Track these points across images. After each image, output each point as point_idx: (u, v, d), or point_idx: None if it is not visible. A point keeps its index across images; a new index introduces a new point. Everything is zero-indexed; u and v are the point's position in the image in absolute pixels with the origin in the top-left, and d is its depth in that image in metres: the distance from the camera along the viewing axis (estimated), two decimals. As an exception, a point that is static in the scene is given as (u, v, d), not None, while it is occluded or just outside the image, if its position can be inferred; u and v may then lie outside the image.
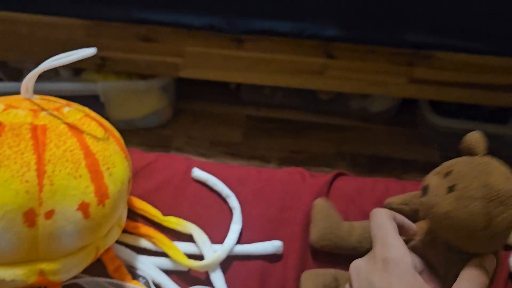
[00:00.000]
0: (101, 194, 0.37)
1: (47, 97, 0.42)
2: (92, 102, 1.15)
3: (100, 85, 1.15)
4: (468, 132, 0.39)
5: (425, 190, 0.38)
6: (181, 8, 1.03)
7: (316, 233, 0.49)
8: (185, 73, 1.13)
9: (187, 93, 1.40)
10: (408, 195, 0.48)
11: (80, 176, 0.36)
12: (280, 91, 1.40)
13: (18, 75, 1.26)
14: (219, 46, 1.07)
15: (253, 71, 1.11)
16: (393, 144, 1.36)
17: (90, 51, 0.37)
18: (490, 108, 1.24)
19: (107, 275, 0.44)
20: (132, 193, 0.52)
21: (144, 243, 0.48)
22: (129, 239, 0.48)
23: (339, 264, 0.49)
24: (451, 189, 0.36)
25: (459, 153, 0.40)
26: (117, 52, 1.07)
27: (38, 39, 1.07)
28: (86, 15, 1.04)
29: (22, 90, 0.41)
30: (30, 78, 0.40)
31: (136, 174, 0.53)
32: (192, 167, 0.55)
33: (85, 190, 0.36)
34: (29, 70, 0.40)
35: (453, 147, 1.27)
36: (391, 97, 1.37)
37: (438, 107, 1.24)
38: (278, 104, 1.42)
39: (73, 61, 0.37)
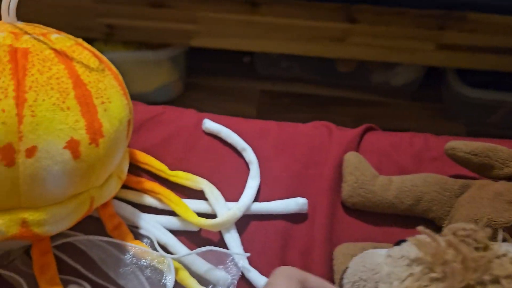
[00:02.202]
0: (94, 132, 0.31)
1: (34, 24, 0.36)
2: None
3: (108, 56, 1.09)
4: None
5: None
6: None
7: (346, 189, 0.42)
8: (198, 42, 1.07)
9: (199, 67, 1.34)
10: (480, 145, 0.41)
11: (68, 108, 0.30)
12: (296, 64, 1.33)
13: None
14: (233, 11, 1.00)
15: (269, 39, 1.04)
16: (417, 119, 1.28)
17: None
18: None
19: (105, 234, 0.38)
20: (135, 146, 0.45)
21: (149, 200, 0.41)
22: (131, 195, 0.41)
23: (374, 223, 0.42)
24: None
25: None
26: (126, 20, 1.01)
27: (46, 6, 1.01)
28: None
29: (3, 13, 0.34)
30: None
31: (140, 127, 0.47)
32: (203, 119, 0.49)
33: (74, 125, 0.30)
34: None
35: (480, 121, 1.18)
36: (415, 70, 1.29)
37: (464, 78, 1.15)
38: (294, 78, 1.35)
39: None
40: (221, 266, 0.37)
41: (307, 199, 0.42)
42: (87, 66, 0.33)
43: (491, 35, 0.96)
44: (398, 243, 0.30)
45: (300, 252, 0.40)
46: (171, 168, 0.44)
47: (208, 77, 1.34)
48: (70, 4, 1.01)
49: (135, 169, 0.44)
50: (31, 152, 0.29)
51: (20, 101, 0.28)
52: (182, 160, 0.45)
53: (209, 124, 0.47)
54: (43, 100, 0.29)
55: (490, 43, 0.97)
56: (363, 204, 0.42)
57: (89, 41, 0.38)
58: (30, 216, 0.31)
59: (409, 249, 0.28)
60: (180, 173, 0.43)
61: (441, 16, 0.94)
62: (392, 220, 0.42)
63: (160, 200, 0.41)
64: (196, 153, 0.46)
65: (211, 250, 0.37)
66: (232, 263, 0.38)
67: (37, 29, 0.34)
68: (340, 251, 0.39)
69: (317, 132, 0.49)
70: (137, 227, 0.40)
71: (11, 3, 0.34)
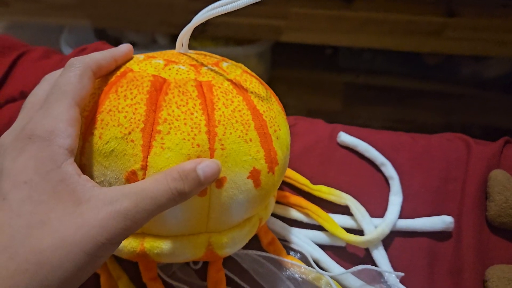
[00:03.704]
0: (271, 160, 0.32)
1: (200, 51, 0.38)
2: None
3: (198, 52, 1.12)
4: None
5: None
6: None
7: (495, 209, 0.42)
8: (287, 37, 1.07)
9: (282, 60, 1.34)
10: None
11: (250, 139, 0.31)
12: (381, 56, 1.30)
13: (116, 44, 1.27)
14: (326, 6, 0.99)
15: (361, 33, 1.02)
16: (511, 113, 1.22)
17: None
18: None
19: (261, 250, 0.40)
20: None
21: (295, 214, 0.43)
22: (278, 210, 0.43)
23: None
24: None
25: None
26: (219, 16, 1.03)
27: (139, 5, 1.05)
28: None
29: (178, 44, 0.36)
30: (186, 31, 0.35)
31: (276, 139, 0.48)
32: (336, 131, 0.49)
33: (256, 156, 0.31)
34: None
35: None
36: (508, 61, 1.23)
37: None
38: (379, 70, 1.32)
39: (240, 7, 0.31)
40: (375, 285, 0.38)
41: (450, 215, 0.42)
42: (259, 96, 0.34)
43: None
44: None
45: (449, 271, 0.40)
46: (310, 182, 0.45)
47: (291, 70, 1.34)
48: (164, 2, 1.04)
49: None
50: (221, 182, 0.30)
51: (211, 136, 0.30)
52: (319, 173, 0.46)
53: (345, 138, 0.48)
54: (230, 133, 0.30)
55: None
56: (513, 224, 0.41)
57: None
58: (215, 240, 0.33)
59: None
60: (323, 187, 0.44)
61: (551, 7, 0.88)
62: (543, 241, 0.41)
63: (307, 214, 0.42)
64: (332, 167, 0.47)
65: (364, 268, 0.38)
66: (385, 282, 0.38)
67: (208, 58, 0.36)
68: (495, 273, 0.38)
69: (453, 145, 0.48)
70: (287, 241, 0.41)
71: (185, 35, 0.35)
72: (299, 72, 1.34)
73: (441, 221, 0.42)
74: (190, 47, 0.37)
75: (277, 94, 0.39)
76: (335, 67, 1.34)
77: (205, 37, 1.18)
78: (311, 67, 1.35)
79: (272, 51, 1.26)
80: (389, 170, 0.45)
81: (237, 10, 0.31)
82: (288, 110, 0.52)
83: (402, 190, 0.45)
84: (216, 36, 1.13)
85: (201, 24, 0.34)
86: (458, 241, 0.41)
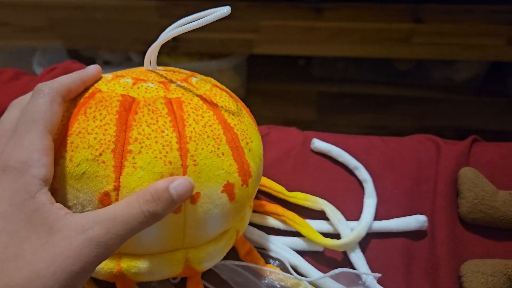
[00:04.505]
0: (244, 173, 0.33)
1: (169, 68, 0.38)
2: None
3: (172, 68, 1.12)
4: None
5: None
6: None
7: (466, 205, 0.43)
8: (259, 50, 1.08)
9: (257, 72, 1.35)
10: None
11: (223, 153, 0.31)
12: (353, 64, 1.33)
13: (90, 64, 1.26)
14: (297, 18, 1.00)
15: (332, 43, 1.04)
16: (483, 115, 1.25)
17: (226, 10, 0.31)
18: None
19: (239, 261, 0.40)
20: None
21: (272, 222, 0.43)
22: (255, 219, 0.43)
23: (495, 238, 0.42)
24: None
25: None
26: (190, 32, 1.03)
27: (111, 24, 1.05)
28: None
29: (146, 62, 0.36)
30: (153, 49, 0.35)
31: (250, 149, 0.49)
32: (309, 138, 0.50)
33: (229, 169, 0.31)
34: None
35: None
36: (478, 64, 1.27)
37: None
38: (352, 79, 1.34)
39: (208, 22, 0.32)
40: (353, 287, 0.39)
41: (424, 215, 0.43)
42: (229, 109, 0.34)
43: None
44: None
45: (425, 270, 0.41)
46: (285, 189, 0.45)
47: (266, 82, 1.35)
48: (136, 20, 1.05)
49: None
50: (195, 198, 0.30)
51: (183, 152, 0.30)
52: (294, 180, 0.47)
53: (318, 144, 0.48)
54: (202, 149, 0.30)
55: None
56: (484, 220, 0.42)
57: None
58: (192, 255, 0.33)
59: None
60: (299, 194, 0.44)
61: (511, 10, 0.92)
62: (514, 234, 0.42)
63: (284, 221, 0.43)
64: (307, 173, 0.47)
65: (342, 272, 0.38)
66: (363, 283, 0.39)
67: (177, 74, 0.36)
68: (469, 268, 0.39)
69: (424, 146, 0.49)
70: (265, 250, 0.41)
71: (153, 52, 0.35)
72: (274, 83, 1.35)
73: (415, 221, 0.42)
74: (164, 63, 0.38)
75: (253, 106, 0.39)
76: (309, 77, 1.36)
77: (178, 53, 1.18)
78: (285, 78, 1.36)
79: (247, 63, 1.27)
80: (362, 173, 0.46)
81: (208, 25, 0.31)
82: (264, 122, 0.53)
83: (376, 192, 0.45)
84: (190, 52, 1.14)
85: (173, 40, 0.34)
86: (433, 239, 0.42)
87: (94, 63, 0.34)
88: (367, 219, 0.42)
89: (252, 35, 1.06)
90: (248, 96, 1.29)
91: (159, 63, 0.37)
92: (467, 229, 0.43)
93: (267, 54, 1.09)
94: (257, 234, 0.42)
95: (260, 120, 0.38)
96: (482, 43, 0.98)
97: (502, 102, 1.25)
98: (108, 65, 1.25)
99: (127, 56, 1.25)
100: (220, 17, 0.31)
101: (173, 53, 1.18)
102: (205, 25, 0.31)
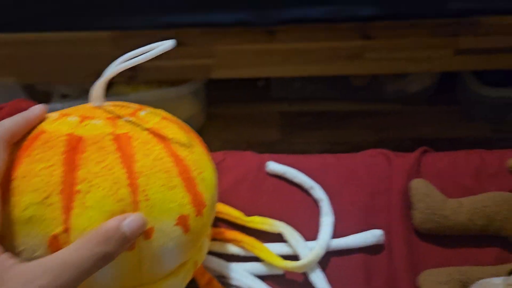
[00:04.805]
0: (198, 203, 0.32)
1: (117, 102, 0.38)
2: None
3: (131, 98, 1.12)
4: None
5: None
6: (209, 7, 0.99)
7: (418, 216, 0.44)
8: (217, 74, 1.09)
9: (217, 97, 1.36)
10: None
11: (175, 186, 0.31)
12: (311, 83, 1.35)
13: (46, 99, 1.24)
14: (250, 41, 1.02)
15: (288, 64, 1.07)
16: (438, 123, 1.30)
17: (170, 44, 0.31)
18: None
19: (199, 289, 0.40)
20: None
21: (232, 249, 0.43)
22: (215, 247, 0.43)
23: (449, 246, 0.43)
24: None
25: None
26: (147, 61, 1.03)
27: (65, 57, 1.04)
28: (112, 26, 1.00)
29: (93, 98, 0.36)
30: (100, 84, 0.35)
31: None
32: (264, 161, 0.50)
33: (182, 201, 0.31)
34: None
35: (502, 118, 1.20)
36: (429, 75, 1.31)
37: (481, 78, 1.17)
38: (310, 97, 1.37)
39: (153, 56, 0.32)
40: (315, 307, 0.39)
41: (380, 229, 0.44)
42: (179, 141, 0.34)
43: (505, 36, 0.98)
44: None
45: (385, 282, 0.41)
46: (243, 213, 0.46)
47: (227, 105, 1.36)
48: (91, 52, 1.04)
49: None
50: (148, 234, 0.30)
51: (134, 188, 0.29)
52: (251, 204, 0.47)
53: (273, 166, 0.49)
54: (153, 183, 0.30)
55: (505, 43, 0.99)
56: (437, 229, 0.43)
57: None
58: (150, 292, 0.32)
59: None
60: (256, 218, 0.45)
61: (454, 23, 0.96)
62: (466, 241, 0.44)
63: (243, 247, 0.43)
64: (263, 196, 0.48)
65: (303, 292, 0.38)
66: (325, 302, 0.39)
67: (125, 108, 0.36)
68: (425, 278, 0.40)
69: (376, 160, 0.50)
70: (226, 277, 0.41)
71: (99, 88, 0.35)
72: (235, 106, 1.36)
73: (372, 235, 0.43)
74: (123, 93, 0.37)
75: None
76: (269, 97, 1.37)
77: (137, 82, 1.18)
78: (246, 100, 1.37)
79: (206, 88, 1.28)
80: (317, 192, 0.46)
81: (164, 53, 0.31)
82: (227, 145, 0.53)
83: (333, 210, 0.46)
84: (148, 80, 1.13)
85: (131, 70, 0.34)
86: (391, 252, 0.43)
87: (50, 97, 0.34)
88: (324, 238, 0.43)
89: (208, 61, 1.06)
90: (210, 120, 1.29)
91: (117, 93, 0.37)
92: (423, 240, 0.44)
93: (224, 78, 1.10)
94: (216, 263, 0.42)
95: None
96: (429, 55, 1.02)
97: (453, 110, 1.30)
98: (66, 98, 1.23)
99: (84, 89, 1.23)
100: (165, 51, 0.31)
101: (131, 82, 1.17)
102: (161, 53, 0.31)
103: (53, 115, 0.34)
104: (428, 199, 0.44)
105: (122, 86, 1.16)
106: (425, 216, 0.43)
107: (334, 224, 0.45)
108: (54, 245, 0.27)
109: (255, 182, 0.49)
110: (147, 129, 0.33)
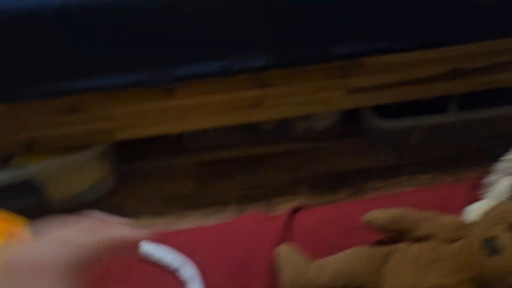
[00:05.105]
0: None
1: None
2: (27, 189, 1.08)
3: (32, 168, 1.07)
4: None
5: (493, 247, 0.34)
6: (102, 71, 0.98)
7: (287, 280, 0.44)
8: (120, 136, 1.07)
9: (129, 154, 1.34)
10: (393, 212, 0.44)
11: None
12: (222, 131, 1.37)
13: None
14: (149, 100, 1.02)
15: (190, 118, 1.07)
16: (347, 157, 1.34)
17: None
18: (428, 100, 1.25)
19: None
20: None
21: None
22: None
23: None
24: None
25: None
26: (46, 130, 1.00)
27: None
28: (4, 98, 0.97)
29: None
30: None
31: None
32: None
33: None
34: None
35: (404, 146, 1.26)
36: (334, 112, 1.37)
37: (380, 110, 1.24)
38: (224, 144, 1.38)
39: None
40: None
41: (254, 298, 0.44)
42: None
43: (390, 73, 1.05)
44: None
45: None
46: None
47: (140, 162, 1.34)
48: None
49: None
50: None
51: None
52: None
53: (143, 249, 0.48)
54: None
55: (390, 79, 1.06)
56: (305, 293, 0.44)
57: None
58: None
59: None
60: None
61: (341, 66, 1.01)
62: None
63: None
64: (134, 284, 0.46)
65: None
66: None
67: None
68: None
69: (248, 227, 0.51)
70: None
71: None
72: (148, 162, 1.34)
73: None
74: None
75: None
76: (182, 150, 1.37)
77: (38, 151, 1.13)
78: (159, 155, 1.36)
79: (116, 147, 1.25)
80: (186, 272, 0.46)
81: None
82: (144, 203, 0.51)
83: (206, 285, 0.46)
84: (48, 149, 1.10)
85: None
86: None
87: None
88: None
89: (109, 124, 1.05)
90: (124, 179, 1.26)
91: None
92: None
93: (128, 138, 1.09)
94: None
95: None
96: (324, 96, 1.07)
97: (360, 141, 1.36)
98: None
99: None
100: None
101: (32, 152, 1.12)
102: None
103: None
104: (292, 263, 0.44)
105: (22, 158, 1.11)
106: (292, 281, 0.44)
107: (205, 301, 0.44)
108: None
109: (123, 270, 0.47)
110: None
